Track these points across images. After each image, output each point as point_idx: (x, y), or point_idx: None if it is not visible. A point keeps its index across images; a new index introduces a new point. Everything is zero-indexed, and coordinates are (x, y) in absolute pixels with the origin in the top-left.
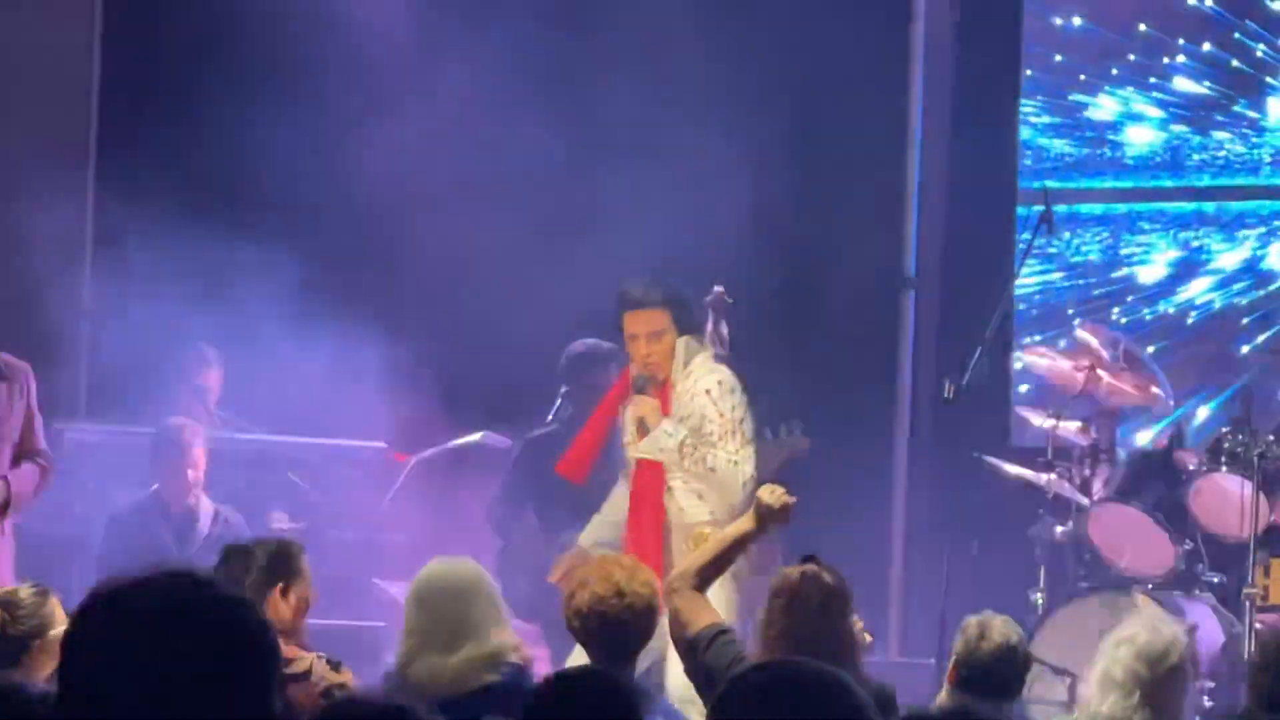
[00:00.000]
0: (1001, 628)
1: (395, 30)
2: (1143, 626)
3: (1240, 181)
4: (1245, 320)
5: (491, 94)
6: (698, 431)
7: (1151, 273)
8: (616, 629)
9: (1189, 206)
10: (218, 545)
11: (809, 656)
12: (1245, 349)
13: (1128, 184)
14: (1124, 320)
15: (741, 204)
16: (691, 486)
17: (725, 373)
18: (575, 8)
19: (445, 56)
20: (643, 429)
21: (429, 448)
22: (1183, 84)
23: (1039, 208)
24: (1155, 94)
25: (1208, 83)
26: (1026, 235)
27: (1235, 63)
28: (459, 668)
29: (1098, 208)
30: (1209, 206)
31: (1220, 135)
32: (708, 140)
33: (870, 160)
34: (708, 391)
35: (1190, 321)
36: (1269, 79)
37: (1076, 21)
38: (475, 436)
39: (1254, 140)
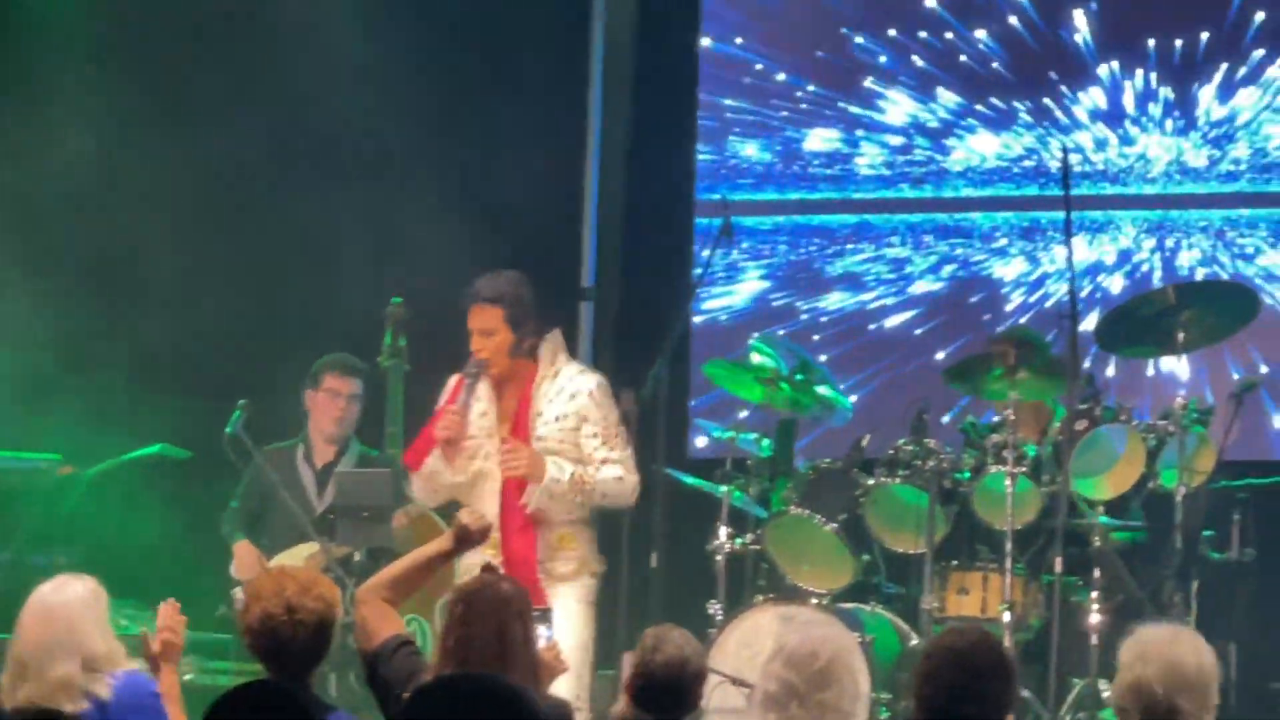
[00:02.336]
0: (677, 640)
1: None
2: (793, 634)
3: (923, 194)
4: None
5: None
6: (576, 431)
7: (828, 283)
8: (287, 643)
9: (879, 218)
10: None
11: (486, 667)
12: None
13: (809, 196)
14: (816, 336)
15: (418, 211)
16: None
17: (600, 376)
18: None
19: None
20: (524, 482)
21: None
22: (876, 101)
23: (718, 219)
24: (849, 110)
25: (905, 100)
26: (709, 251)
27: (939, 86)
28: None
29: (781, 219)
30: (914, 217)
31: (911, 148)
32: (387, 148)
33: (548, 170)
34: (590, 394)
35: (871, 329)
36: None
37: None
38: (153, 449)
39: (938, 156)
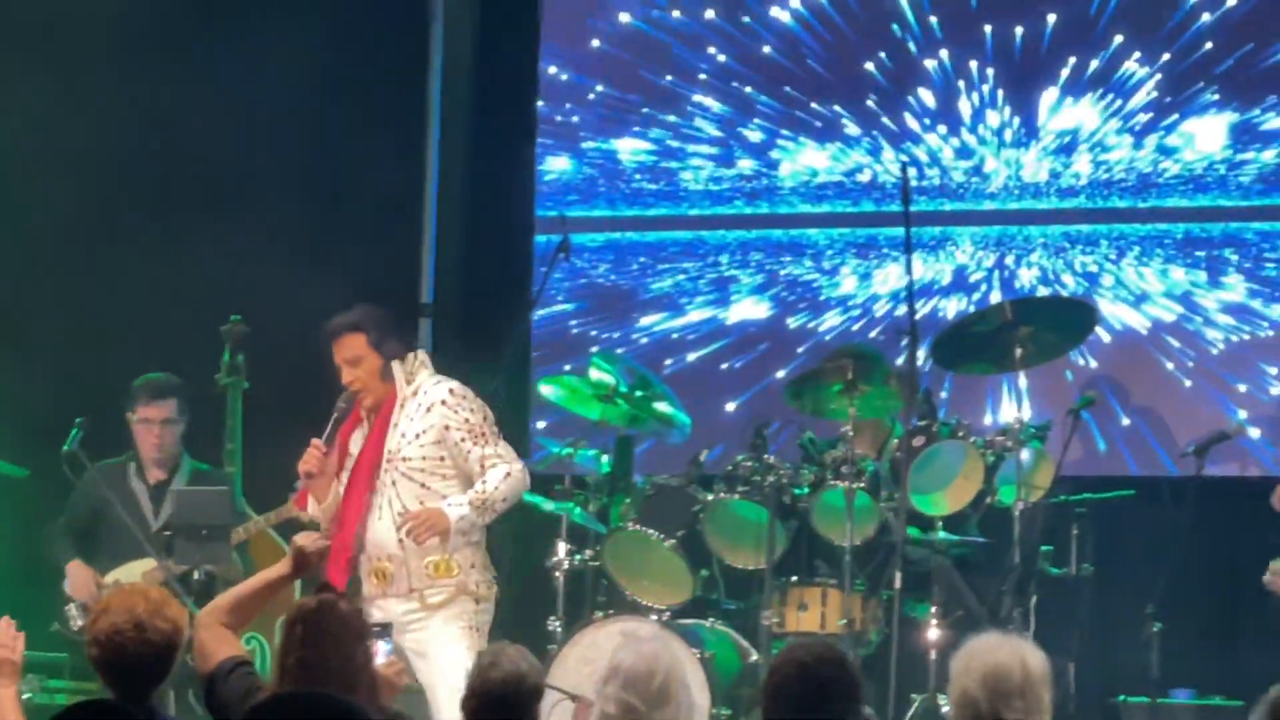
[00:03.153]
0: (513, 656)
1: None
2: (628, 654)
3: (759, 210)
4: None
5: None
6: (439, 445)
7: (659, 302)
8: (132, 661)
9: (712, 235)
10: None
11: (324, 686)
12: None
13: (646, 213)
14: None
15: (258, 227)
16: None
17: (453, 382)
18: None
19: None
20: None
21: None
22: (714, 118)
23: (557, 236)
24: (685, 129)
25: (737, 114)
26: (547, 268)
27: (764, 97)
28: None
29: (617, 235)
30: (742, 234)
31: (746, 165)
32: (228, 166)
33: (387, 188)
34: (443, 402)
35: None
36: (798, 112)
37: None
38: None
39: (772, 172)
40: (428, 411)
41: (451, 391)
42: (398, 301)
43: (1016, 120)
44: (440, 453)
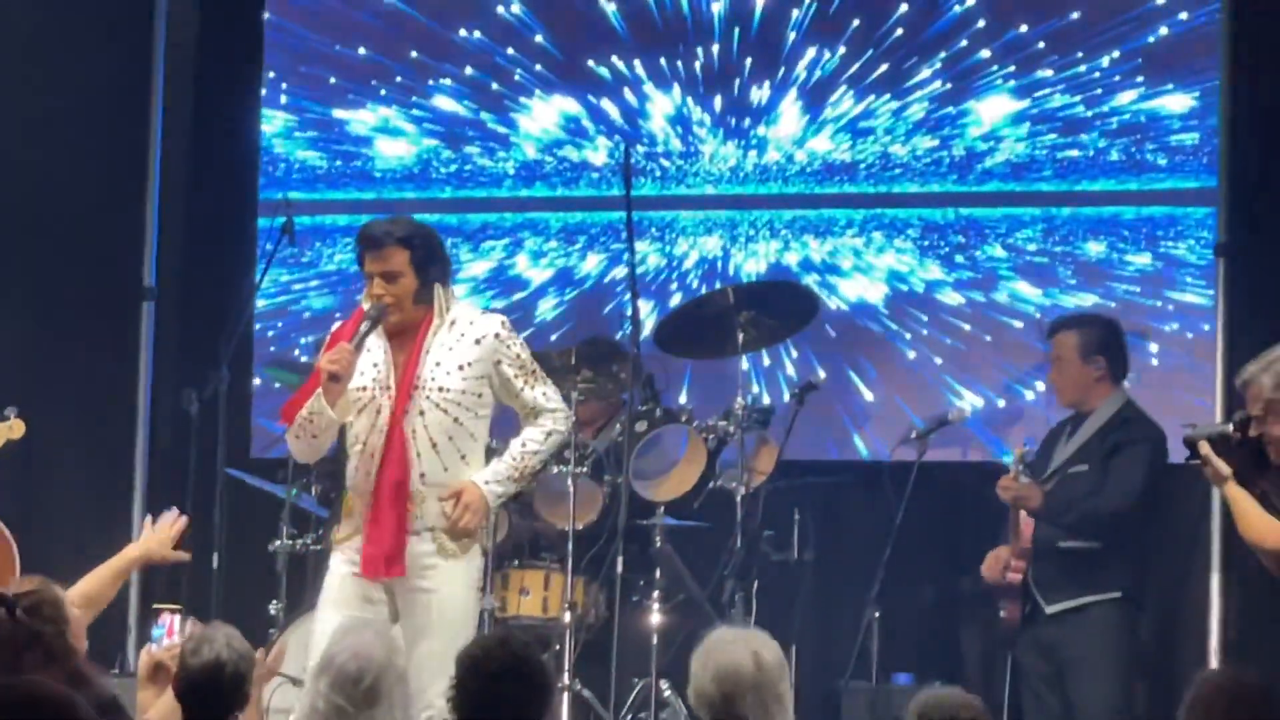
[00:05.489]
0: (219, 641)
1: None
2: (343, 650)
3: (481, 194)
4: None
5: None
6: (482, 380)
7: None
8: None
9: (432, 217)
10: None
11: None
12: None
13: (370, 195)
14: None
15: None
16: (458, 447)
17: (500, 314)
18: None
19: None
20: (403, 453)
21: None
22: (442, 101)
23: (280, 219)
24: (415, 111)
25: (466, 102)
26: (269, 245)
27: (495, 85)
28: None
29: (343, 219)
30: (451, 219)
31: (470, 149)
32: None
33: (108, 168)
34: (496, 335)
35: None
36: (523, 99)
37: (336, 48)
38: None
39: (500, 154)
40: (476, 343)
41: (504, 324)
42: (119, 283)
43: (751, 100)
44: (481, 388)
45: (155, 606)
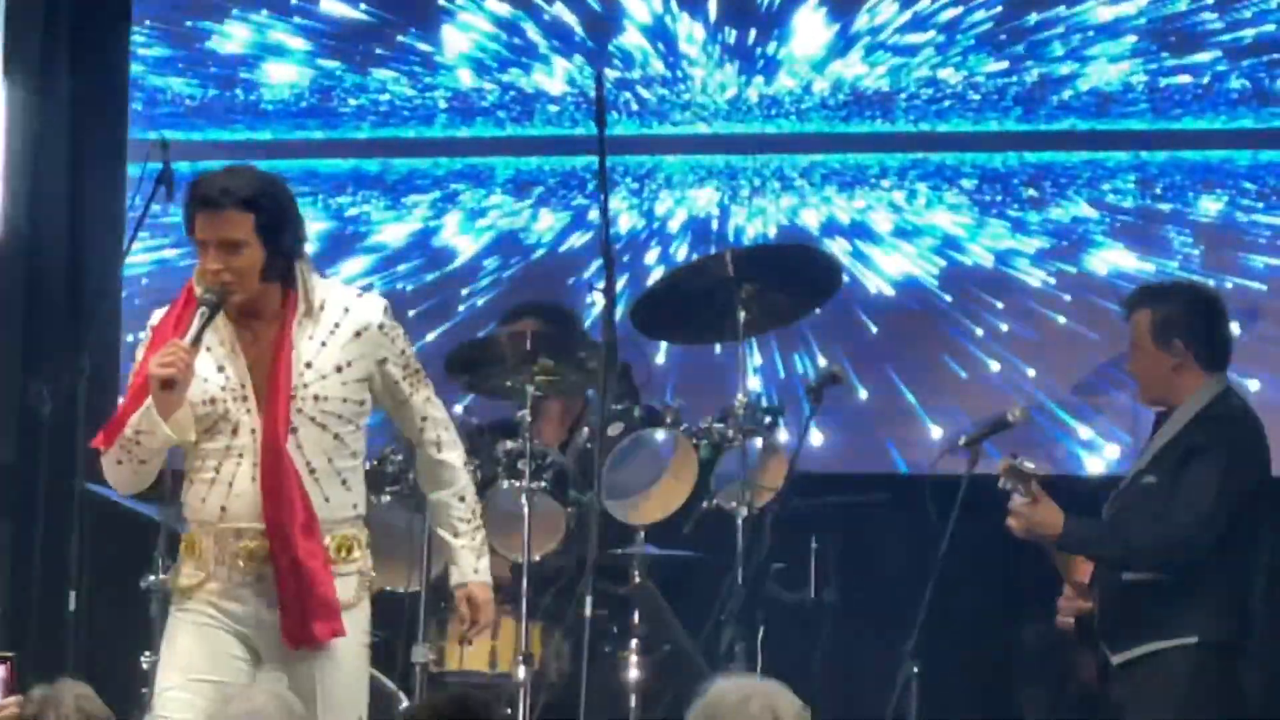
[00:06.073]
0: (70, 704)
1: None
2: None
3: (409, 134)
4: (413, 312)
5: None
6: (364, 383)
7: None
8: None
9: (345, 164)
10: None
11: None
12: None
13: (265, 135)
14: None
15: None
16: (337, 469)
17: (377, 296)
18: None
19: None
20: (281, 452)
21: None
22: (333, 7)
23: (155, 165)
24: (298, 19)
25: (365, 6)
26: (140, 200)
27: None
28: None
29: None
30: (372, 165)
31: (383, 74)
32: None
33: None
34: (380, 327)
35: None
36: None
37: None
38: None
39: (425, 81)
40: (356, 336)
41: (386, 311)
42: None
43: (757, 5)
44: (363, 394)
45: None
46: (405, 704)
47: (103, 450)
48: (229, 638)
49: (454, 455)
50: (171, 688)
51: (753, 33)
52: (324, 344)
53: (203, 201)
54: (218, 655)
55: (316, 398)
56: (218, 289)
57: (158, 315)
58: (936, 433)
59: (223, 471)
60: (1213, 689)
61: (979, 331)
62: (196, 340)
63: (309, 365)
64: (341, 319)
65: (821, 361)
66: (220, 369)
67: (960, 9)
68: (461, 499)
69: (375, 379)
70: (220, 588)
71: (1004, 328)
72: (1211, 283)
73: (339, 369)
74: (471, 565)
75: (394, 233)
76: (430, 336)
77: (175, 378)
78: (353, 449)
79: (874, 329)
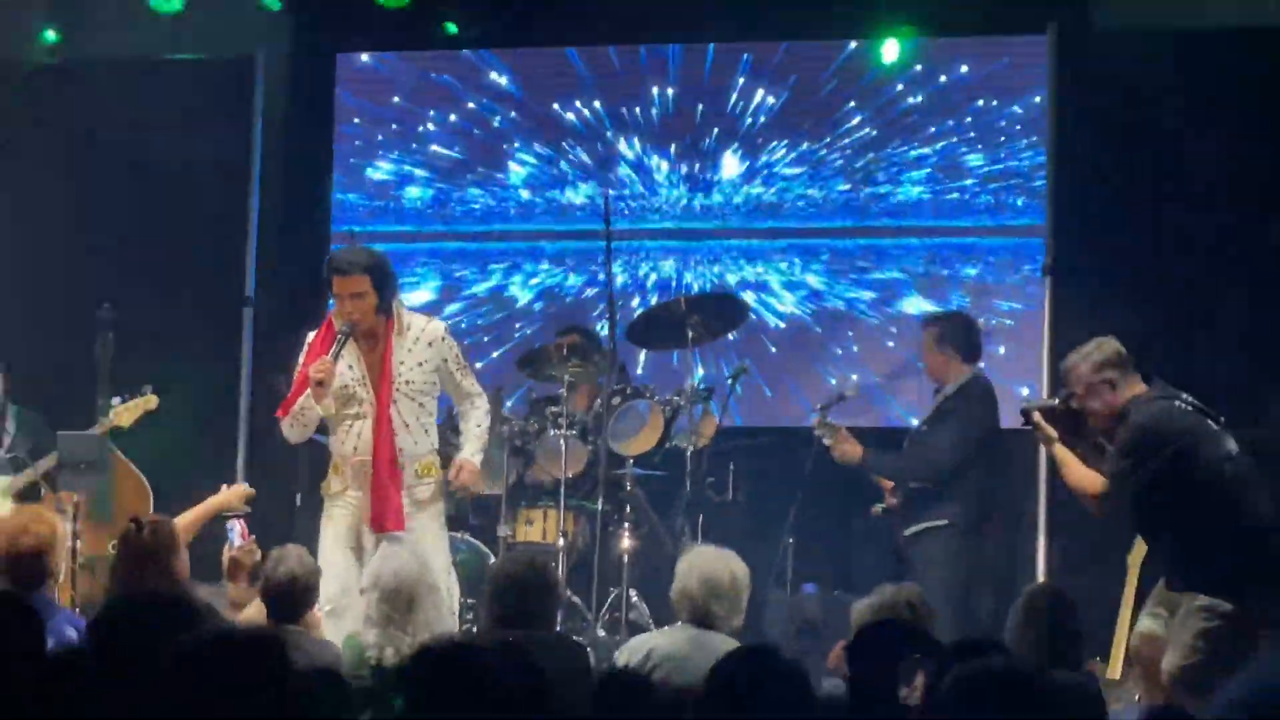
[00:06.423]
0: (294, 557)
1: None
2: (386, 569)
3: (491, 228)
4: (486, 337)
5: None
6: (436, 371)
7: (418, 297)
8: (17, 561)
9: (452, 245)
10: None
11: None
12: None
13: (407, 228)
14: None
15: (126, 230)
16: (422, 423)
17: (439, 320)
18: None
19: None
20: (389, 424)
21: None
22: (441, 151)
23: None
24: (420, 158)
25: (458, 149)
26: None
27: (476, 131)
28: None
29: (390, 245)
30: (469, 246)
31: (475, 191)
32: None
33: (220, 208)
34: (443, 339)
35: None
36: (505, 145)
37: (376, 116)
38: None
39: (500, 195)
40: (429, 345)
41: (446, 329)
42: (226, 293)
43: (696, 165)
44: (435, 378)
45: (224, 515)
46: (493, 560)
47: (281, 418)
48: (354, 519)
49: (479, 409)
50: (333, 552)
51: (696, 166)
52: (410, 350)
53: (337, 269)
54: (351, 529)
55: (407, 382)
56: (349, 324)
57: (311, 335)
58: (802, 400)
59: (353, 428)
60: (961, 552)
61: (838, 350)
62: (336, 357)
63: (402, 363)
64: (420, 335)
65: (739, 363)
66: (350, 368)
67: (824, 152)
68: (478, 425)
69: (441, 370)
70: (350, 491)
71: (855, 349)
72: (969, 313)
73: (419, 365)
74: (470, 452)
75: (480, 288)
76: (495, 354)
77: (324, 380)
78: (430, 411)
79: (772, 349)
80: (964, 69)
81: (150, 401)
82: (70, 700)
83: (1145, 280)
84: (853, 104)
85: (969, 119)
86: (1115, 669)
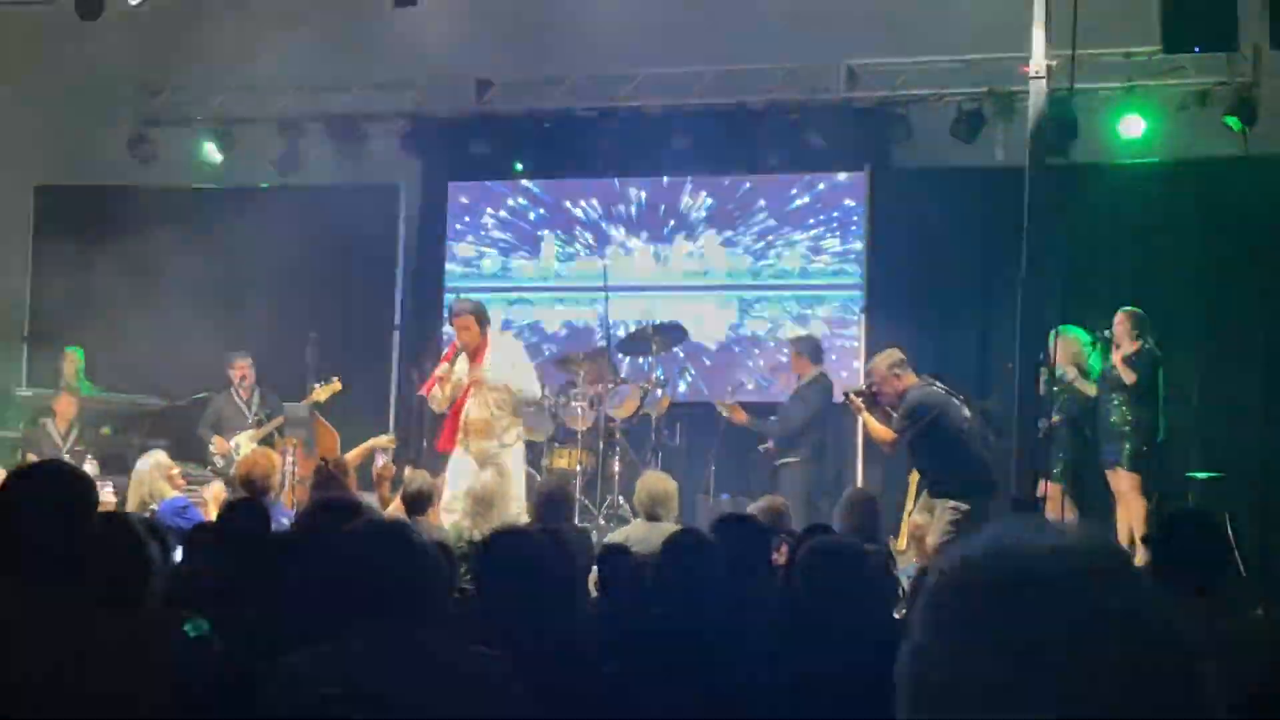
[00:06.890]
0: (421, 477)
1: None
2: (475, 482)
3: (534, 283)
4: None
5: None
6: (505, 375)
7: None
8: (254, 484)
9: (512, 297)
10: None
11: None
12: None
13: (482, 284)
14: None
15: (317, 288)
16: (485, 398)
17: (516, 339)
18: None
19: None
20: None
21: None
22: (494, 242)
23: (452, 295)
24: (488, 242)
25: (510, 233)
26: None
27: (522, 223)
28: None
29: (475, 295)
30: (523, 298)
31: (519, 262)
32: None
33: (378, 270)
34: (513, 349)
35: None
36: (538, 232)
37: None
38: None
39: (538, 265)
40: (513, 365)
41: (523, 349)
42: (378, 323)
43: (657, 245)
44: (505, 377)
45: (377, 451)
46: (539, 479)
47: (426, 394)
48: (462, 453)
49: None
50: (456, 464)
51: (658, 245)
52: (494, 362)
53: (455, 314)
54: (459, 459)
55: (491, 379)
56: (463, 345)
57: (446, 348)
58: (719, 384)
59: (454, 403)
60: (809, 476)
61: (750, 363)
62: (452, 366)
63: (486, 369)
64: (500, 349)
65: (684, 370)
66: (455, 370)
67: (738, 235)
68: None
69: (509, 374)
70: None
71: (762, 362)
72: (818, 335)
73: (497, 366)
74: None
75: (525, 321)
76: (534, 362)
77: (444, 379)
78: (498, 403)
79: (707, 362)
80: (820, 186)
81: (337, 386)
82: (284, 562)
83: (921, 317)
84: (762, 202)
85: (835, 214)
86: (902, 543)
